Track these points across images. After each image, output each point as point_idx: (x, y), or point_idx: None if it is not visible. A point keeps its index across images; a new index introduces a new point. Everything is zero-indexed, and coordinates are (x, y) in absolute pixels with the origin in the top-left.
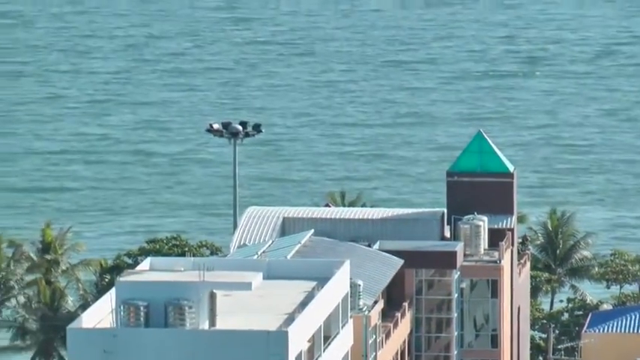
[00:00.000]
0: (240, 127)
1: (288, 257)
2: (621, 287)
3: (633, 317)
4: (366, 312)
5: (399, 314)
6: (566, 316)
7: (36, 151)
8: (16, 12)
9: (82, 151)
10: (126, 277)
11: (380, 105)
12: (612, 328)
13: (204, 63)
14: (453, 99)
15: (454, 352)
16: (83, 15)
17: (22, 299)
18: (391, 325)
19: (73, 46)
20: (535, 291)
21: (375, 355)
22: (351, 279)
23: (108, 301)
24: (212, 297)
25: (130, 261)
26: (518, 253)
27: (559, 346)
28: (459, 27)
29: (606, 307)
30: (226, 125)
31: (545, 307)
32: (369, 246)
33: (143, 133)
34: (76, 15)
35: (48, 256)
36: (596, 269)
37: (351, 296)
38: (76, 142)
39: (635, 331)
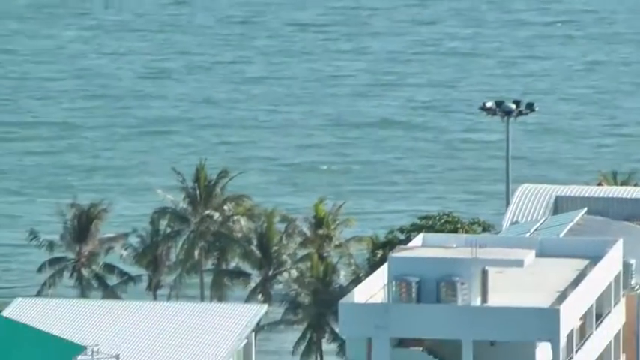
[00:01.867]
0: (513, 106)
1: (561, 235)
2: None
3: None
4: (639, 290)
5: None
6: None
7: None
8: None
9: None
10: (398, 253)
11: None
12: None
13: (483, 43)
14: None
15: None
16: None
17: (294, 273)
18: None
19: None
20: None
21: None
22: (623, 258)
23: (380, 277)
24: (484, 274)
25: (402, 237)
26: None
27: None
28: None
29: None
30: (500, 104)
31: None
32: None
33: (420, 113)
34: None
35: (320, 231)
36: None
37: (623, 275)
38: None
39: None
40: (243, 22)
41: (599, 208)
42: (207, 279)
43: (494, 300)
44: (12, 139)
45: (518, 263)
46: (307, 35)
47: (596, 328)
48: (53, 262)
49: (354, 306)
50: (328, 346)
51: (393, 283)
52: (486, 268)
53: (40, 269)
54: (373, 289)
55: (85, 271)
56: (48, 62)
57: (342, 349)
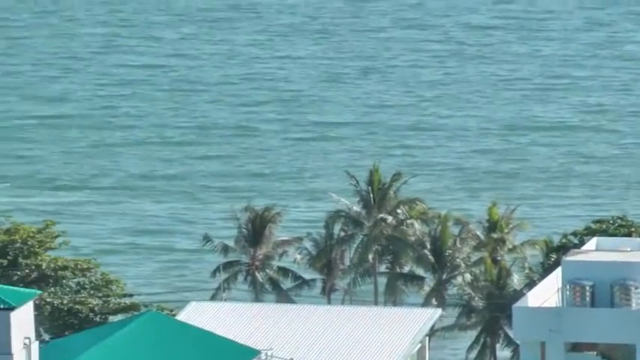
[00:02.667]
0: None
1: None
2: None
3: None
4: None
5: None
6: None
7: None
8: None
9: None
10: (572, 257)
11: None
12: None
13: None
14: None
15: None
16: None
17: (468, 277)
18: None
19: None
20: None
21: None
22: None
23: (554, 281)
24: None
25: (575, 240)
26: None
27: None
28: None
29: None
30: None
31: None
32: None
33: (594, 117)
34: None
35: (494, 235)
36: None
37: None
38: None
39: None
40: (416, 26)
41: None
42: (381, 283)
43: None
44: (186, 143)
45: None
46: (481, 39)
47: None
48: (227, 266)
49: (528, 310)
50: (501, 352)
51: (567, 287)
52: None
53: (214, 273)
54: (547, 292)
55: (259, 275)
56: (221, 66)
57: (516, 353)
